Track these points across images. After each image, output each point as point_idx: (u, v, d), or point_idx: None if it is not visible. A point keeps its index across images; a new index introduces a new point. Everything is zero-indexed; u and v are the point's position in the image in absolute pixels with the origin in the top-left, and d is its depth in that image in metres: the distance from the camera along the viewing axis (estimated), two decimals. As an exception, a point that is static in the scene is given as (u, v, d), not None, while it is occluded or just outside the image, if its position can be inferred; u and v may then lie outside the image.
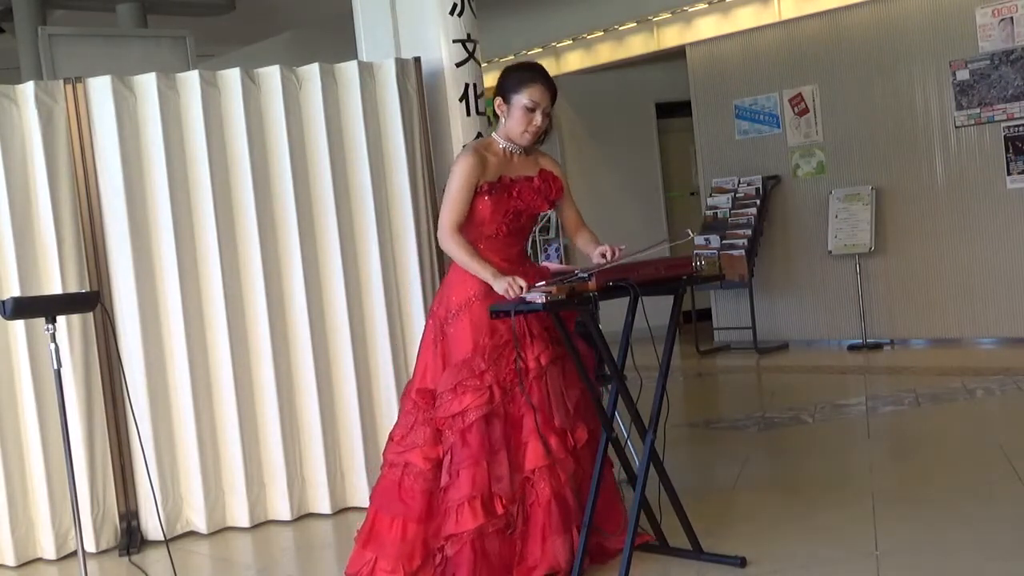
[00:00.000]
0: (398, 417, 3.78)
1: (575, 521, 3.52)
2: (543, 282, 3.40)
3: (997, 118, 7.55)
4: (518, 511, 3.50)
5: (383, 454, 3.77)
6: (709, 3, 9.01)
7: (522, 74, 3.65)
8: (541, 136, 3.70)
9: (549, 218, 9.67)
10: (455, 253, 3.60)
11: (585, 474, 3.62)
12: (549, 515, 3.48)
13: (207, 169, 4.61)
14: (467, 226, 3.64)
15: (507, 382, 3.52)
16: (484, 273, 3.50)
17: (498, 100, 3.68)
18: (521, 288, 3.38)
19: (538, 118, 3.61)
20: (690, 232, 3.96)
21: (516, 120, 3.62)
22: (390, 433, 3.77)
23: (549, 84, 3.65)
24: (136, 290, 4.55)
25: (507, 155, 3.69)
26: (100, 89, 4.55)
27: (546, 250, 10.09)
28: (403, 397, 3.80)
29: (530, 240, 3.97)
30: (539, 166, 3.75)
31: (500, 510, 3.48)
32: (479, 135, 4.92)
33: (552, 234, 10.14)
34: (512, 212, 3.64)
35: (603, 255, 3.52)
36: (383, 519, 3.63)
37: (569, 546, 3.50)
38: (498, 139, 3.70)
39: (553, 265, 4.56)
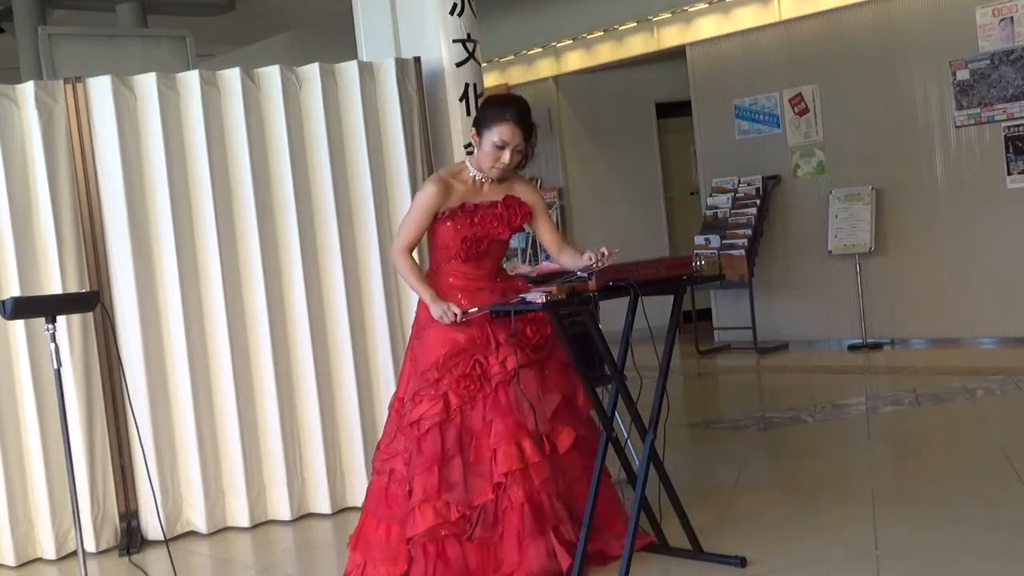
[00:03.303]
0: (384, 426, 3.89)
1: (551, 524, 3.53)
2: (474, 308, 3.56)
3: (997, 118, 7.54)
4: (479, 517, 3.52)
5: (372, 461, 3.88)
6: (709, 3, 9.01)
7: (497, 111, 3.67)
8: (521, 164, 3.74)
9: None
10: (403, 273, 3.79)
11: (574, 477, 3.65)
12: (523, 519, 3.49)
13: (207, 169, 4.61)
14: (434, 248, 3.79)
15: (463, 389, 3.57)
16: (424, 296, 3.67)
17: (472, 130, 3.74)
18: (456, 315, 3.55)
19: (506, 156, 3.64)
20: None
21: (485, 154, 3.67)
22: (378, 442, 3.89)
23: (522, 123, 3.64)
24: (136, 290, 4.56)
25: (476, 183, 3.74)
26: (100, 89, 4.55)
27: (545, 250, 10.08)
28: (390, 406, 3.89)
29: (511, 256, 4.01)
30: (509, 192, 3.77)
31: (454, 515, 3.51)
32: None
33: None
34: (471, 239, 3.69)
35: (592, 259, 3.53)
36: (371, 523, 3.74)
37: (544, 549, 3.50)
38: (470, 167, 3.76)
39: (551, 265, 4.56)
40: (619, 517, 3.74)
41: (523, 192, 3.81)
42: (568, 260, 3.83)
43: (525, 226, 3.89)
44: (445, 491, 3.52)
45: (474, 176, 3.74)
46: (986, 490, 4.22)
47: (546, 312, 3.46)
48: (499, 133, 3.62)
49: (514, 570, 3.49)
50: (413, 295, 4.81)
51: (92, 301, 3.87)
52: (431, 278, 3.77)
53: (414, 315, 3.86)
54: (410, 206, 3.81)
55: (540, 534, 3.51)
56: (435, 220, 3.71)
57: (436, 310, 3.60)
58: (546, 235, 3.88)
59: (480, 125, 3.69)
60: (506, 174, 3.72)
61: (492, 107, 3.72)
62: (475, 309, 3.56)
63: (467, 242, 3.68)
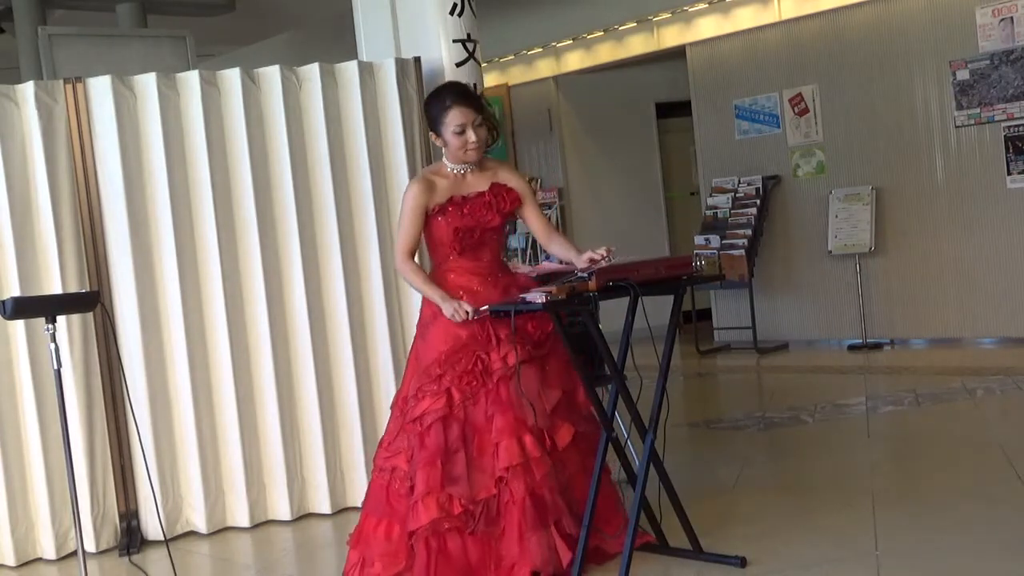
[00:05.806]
0: (387, 424, 3.88)
1: (552, 518, 3.54)
2: (485, 307, 3.53)
3: (997, 118, 7.54)
4: (482, 511, 3.53)
5: (374, 459, 3.87)
6: (709, 3, 9.00)
7: (438, 104, 3.73)
8: (492, 140, 3.78)
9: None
10: (408, 278, 3.80)
11: (573, 473, 3.66)
12: (524, 513, 3.50)
13: (207, 169, 4.62)
14: (432, 249, 3.81)
15: (465, 385, 3.59)
16: (434, 297, 3.67)
17: (432, 135, 3.79)
18: (467, 313, 3.55)
19: (471, 135, 3.68)
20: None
21: (453, 146, 3.72)
22: (380, 439, 3.88)
23: (467, 101, 3.71)
24: (136, 290, 4.56)
25: (458, 176, 3.77)
26: (100, 89, 4.55)
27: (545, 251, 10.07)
28: (392, 405, 3.89)
29: (505, 248, 3.97)
30: (494, 180, 3.80)
31: (457, 509, 3.52)
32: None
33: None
34: (464, 230, 3.71)
35: (593, 260, 3.53)
36: (371, 521, 3.73)
37: (546, 543, 3.51)
38: (447, 163, 3.80)
39: (551, 265, 4.56)
40: (617, 515, 3.74)
41: (509, 179, 3.84)
42: (558, 249, 3.85)
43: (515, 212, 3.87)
44: (448, 484, 3.52)
45: (452, 170, 3.77)
46: (986, 490, 4.22)
47: (546, 312, 3.46)
48: (451, 120, 3.67)
49: (515, 564, 3.49)
50: (414, 295, 4.84)
51: (92, 301, 3.87)
52: (434, 280, 3.77)
53: (418, 315, 3.86)
54: (399, 214, 3.84)
55: (542, 527, 3.52)
56: (427, 219, 3.73)
57: (448, 309, 3.60)
58: (533, 222, 3.90)
59: (433, 126, 3.75)
60: (481, 152, 3.74)
61: (432, 105, 3.77)
62: (485, 308, 3.54)
63: (460, 233, 3.70)
